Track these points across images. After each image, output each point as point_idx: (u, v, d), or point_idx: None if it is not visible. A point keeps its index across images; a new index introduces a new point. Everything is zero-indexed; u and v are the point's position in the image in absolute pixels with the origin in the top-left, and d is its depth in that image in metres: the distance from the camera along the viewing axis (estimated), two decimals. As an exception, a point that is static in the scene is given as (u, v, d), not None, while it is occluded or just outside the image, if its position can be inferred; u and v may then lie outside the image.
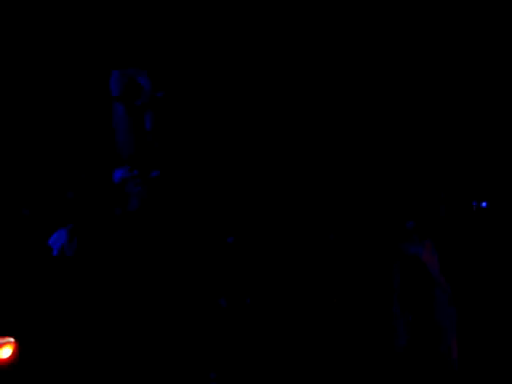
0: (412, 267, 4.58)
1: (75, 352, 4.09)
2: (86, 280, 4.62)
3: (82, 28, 4.56)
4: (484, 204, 5.14)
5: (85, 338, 4.03)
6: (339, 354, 4.71)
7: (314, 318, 4.78)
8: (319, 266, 4.92)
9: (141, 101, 4.01)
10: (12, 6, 4.53)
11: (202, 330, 4.27)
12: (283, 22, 5.17)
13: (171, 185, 4.06)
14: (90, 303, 4.46)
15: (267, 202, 5.07)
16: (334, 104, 5.39)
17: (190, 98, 4.02)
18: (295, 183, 5.27)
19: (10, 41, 4.76)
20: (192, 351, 4.29)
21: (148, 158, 4.00)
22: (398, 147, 5.27)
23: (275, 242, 4.99)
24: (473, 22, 5.42)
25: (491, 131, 5.39)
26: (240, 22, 4.94)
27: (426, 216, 4.80)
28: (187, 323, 4.20)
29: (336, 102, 5.38)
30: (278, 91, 5.35)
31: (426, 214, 4.84)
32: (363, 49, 5.43)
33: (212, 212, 4.19)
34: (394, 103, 5.40)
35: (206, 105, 4.04)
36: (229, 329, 4.73)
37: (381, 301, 4.71)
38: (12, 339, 4.19)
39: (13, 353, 4.17)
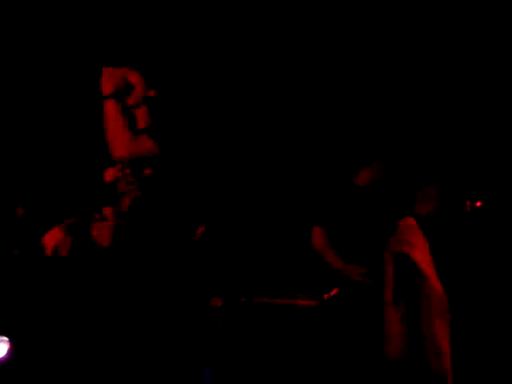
0: (403, 266, 4.55)
1: (68, 351, 4.08)
2: (79, 280, 4.60)
3: (72, 25, 4.53)
4: (477, 203, 5.11)
5: (78, 338, 4.02)
6: (329, 358, 4.70)
7: (303, 321, 4.77)
8: (306, 265, 4.90)
9: (132, 99, 3.98)
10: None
11: (195, 327, 4.25)
12: (275, 18, 5.15)
13: (164, 183, 4.04)
14: (84, 303, 4.45)
15: (258, 201, 5.06)
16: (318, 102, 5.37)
17: (183, 97, 3.98)
18: (288, 181, 5.26)
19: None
20: (185, 349, 4.27)
21: (140, 158, 3.97)
22: (390, 143, 5.24)
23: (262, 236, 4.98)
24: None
25: (486, 129, 5.37)
26: (233, 19, 4.92)
27: (418, 214, 4.77)
28: (181, 321, 4.19)
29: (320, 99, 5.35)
30: (272, 91, 5.35)
31: (419, 211, 4.81)
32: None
33: (204, 211, 4.16)
34: (385, 99, 5.38)
35: (198, 104, 4.01)
36: (223, 327, 4.72)
37: (372, 303, 4.68)
38: (6, 338, 4.18)
39: (7, 352, 4.17)
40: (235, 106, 5.21)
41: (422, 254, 4.50)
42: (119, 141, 3.82)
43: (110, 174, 4.11)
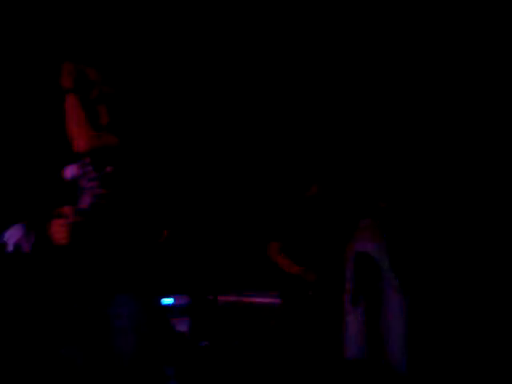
0: (363, 264, 4.56)
1: (20, 347, 4.04)
2: (43, 276, 4.54)
3: (32, 20, 4.48)
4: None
5: (30, 334, 3.98)
6: (289, 357, 4.69)
7: (260, 320, 4.76)
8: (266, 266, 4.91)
9: (93, 95, 3.94)
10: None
11: (157, 327, 4.22)
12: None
13: (126, 180, 3.99)
14: (47, 300, 4.39)
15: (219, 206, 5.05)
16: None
17: (144, 93, 3.94)
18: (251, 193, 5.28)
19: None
20: (148, 348, 4.24)
21: (102, 153, 3.92)
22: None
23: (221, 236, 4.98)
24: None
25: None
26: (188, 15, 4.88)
27: (374, 213, 4.79)
28: (142, 320, 4.15)
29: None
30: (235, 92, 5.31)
31: (375, 210, 4.83)
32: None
33: (166, 209, 4.13)
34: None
35: (159, 101, 3.96)
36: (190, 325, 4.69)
37: (332, 303, 4.69)
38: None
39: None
40: (195, 106, 5.17)
41: (380, 253, 4.52)
42: (81, 135, 3.78)
43: (70, 171, 4.06)
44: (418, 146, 5.52)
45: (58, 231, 3.70)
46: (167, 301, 4.95)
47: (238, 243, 5.82)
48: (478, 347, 4.86)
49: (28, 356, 4.37)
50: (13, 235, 4.45)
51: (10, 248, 4.40)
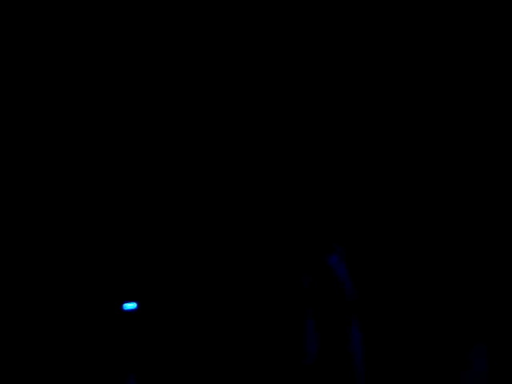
0: (322, 274, 4.57)
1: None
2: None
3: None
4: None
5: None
6: (248, 361, 4.69)
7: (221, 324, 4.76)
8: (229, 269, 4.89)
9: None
10: None
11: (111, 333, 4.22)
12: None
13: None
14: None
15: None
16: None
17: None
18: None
19: None
20: (109, 352, 4.24)
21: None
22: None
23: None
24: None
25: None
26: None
27: (334, 223, 4.80)
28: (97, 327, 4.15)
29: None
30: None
31: (335, 220, 4.84)
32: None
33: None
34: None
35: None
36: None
37: (292, 310, 4.69)
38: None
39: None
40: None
41: (337, 262, 4.54)
42: None
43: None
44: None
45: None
46: (130, 306, 4.83)
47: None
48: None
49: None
50: None
51: None
